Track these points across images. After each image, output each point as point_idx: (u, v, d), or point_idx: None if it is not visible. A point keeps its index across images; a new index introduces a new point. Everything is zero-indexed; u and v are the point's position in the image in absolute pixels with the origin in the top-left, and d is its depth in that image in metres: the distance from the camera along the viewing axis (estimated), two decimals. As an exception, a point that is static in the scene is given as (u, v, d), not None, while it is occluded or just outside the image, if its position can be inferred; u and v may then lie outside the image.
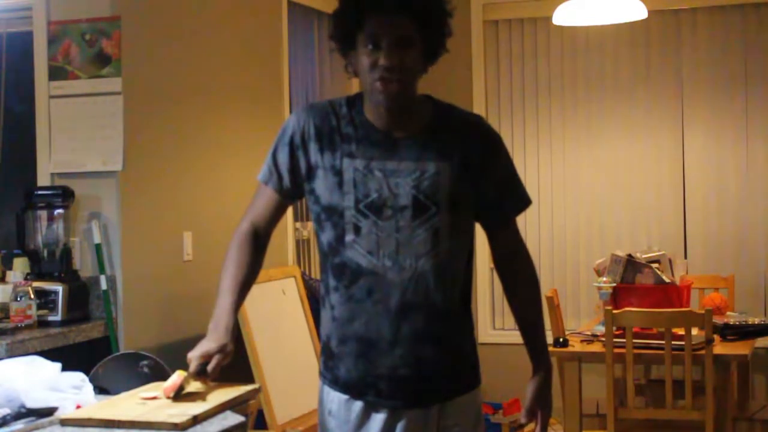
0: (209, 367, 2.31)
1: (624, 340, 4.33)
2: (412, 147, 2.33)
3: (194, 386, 2.38)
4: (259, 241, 2.47)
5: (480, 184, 2.38)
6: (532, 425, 2.51)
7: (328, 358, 2.42)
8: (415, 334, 2.32)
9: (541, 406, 2.48)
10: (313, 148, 2.36)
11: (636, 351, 4.34)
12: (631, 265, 4.88)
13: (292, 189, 2.42)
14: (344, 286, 2.35)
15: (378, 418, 2.36)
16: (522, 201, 2.48)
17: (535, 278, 2.52)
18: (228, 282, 2.42)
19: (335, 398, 2.40)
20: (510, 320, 2.53)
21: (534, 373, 2.49)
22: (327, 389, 2.43)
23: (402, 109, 2.33)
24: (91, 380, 2.48)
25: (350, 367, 2.37)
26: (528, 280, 2.51)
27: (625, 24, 5.51)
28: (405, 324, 2.31)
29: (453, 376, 2.40)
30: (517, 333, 2.54)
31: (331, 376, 2.41)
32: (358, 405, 2.38)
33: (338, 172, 2.33)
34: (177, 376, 2.34)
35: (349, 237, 2.32)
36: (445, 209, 2.32)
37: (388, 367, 2.33)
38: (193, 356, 2.32)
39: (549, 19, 5.45)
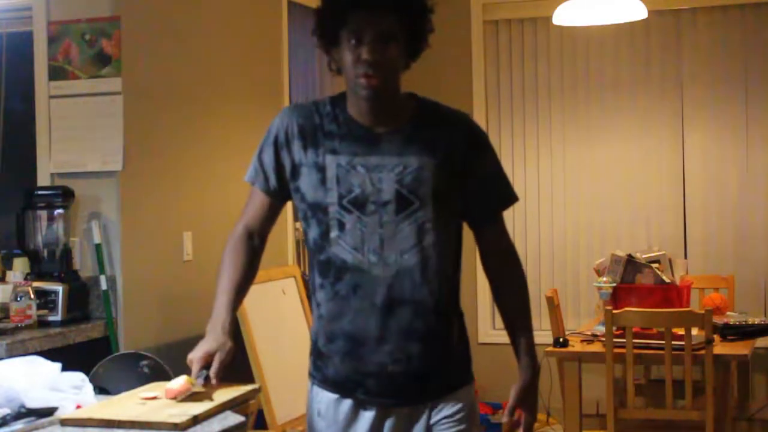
0: (213, 369, 2.30)
1: (624, 340, 4.32)
2: (395, 142, 2.33)
3: (196, 387, 2.38)
4: (253, 242, 2.47)
5: (464, 179, 2.38)
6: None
7: (316, 357, 2.42)
8: (402, 330, 2.31)
9: (524, 408, 2.44)
10: (296, 146, 2.37)
11: (636, 351, 4.34)
12: (631, 265, 4.88)
13: (280, 189, 2.42)
14: (330, 283, 2.35)
15: (366, 417, 2.36)
16: (507, 197, 2.46)
17: (523, 277, 2.49)
18: (224, 284, 2.43)
19: (324, 398, 2.40)
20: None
21: (520, 375, 2.45)
22: (316, 390, 2.43)
23: (385, 105, 2.34)
24: (91, 380, 2.48)
25: (338, 365, 2.36)
26: (515, 278, 2.47)
27: (625, 24, 5.52)
28: (392, 320, 2.31)
29: (442, 373, 2.38)
30: None
31: (320, 375, 2.41)
32: (346, 404, 2.38)
33: (321, 169, 2.34)
34: (185, 382, 2.33)
35: (334, 233, 2.33)
36: (428, 203, 2.31)
37: (376, 364, 2.33)
38: (195, 357, 2.32)
39: (549, 19, 5.45)
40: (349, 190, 2.31)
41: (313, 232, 2.37)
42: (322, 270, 2.36)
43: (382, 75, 2.27)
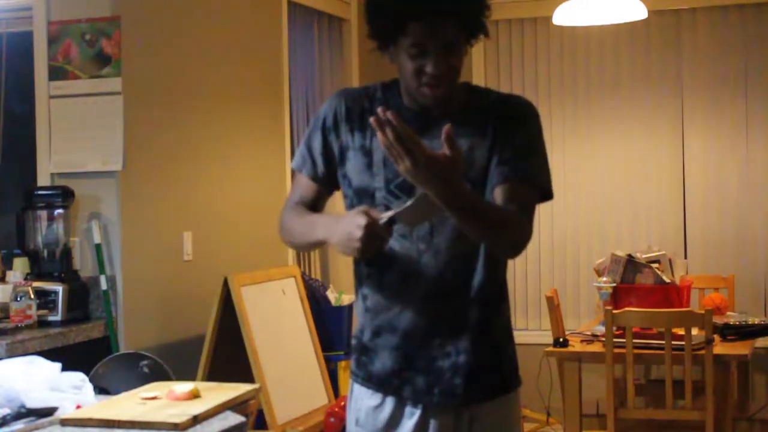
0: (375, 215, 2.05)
1: (624, 340, 4.32)
2: (445, 124, 2.05)
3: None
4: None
5: (499, 150, 2.20)
6: None
7: (360, 354, 2.29)
8: (452, 322, 2.20)
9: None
10: (344, 129, 2.27)
11: (636, 351, 4.34)
12: (631, 265, 4.88)
13: (328, 175, 2.30)
14: (377, 273, 2.24)
15: (408, 425, 2.25)
16: (528, 174, 2.24)
17: (510, 223, 2.16)
18: (307, 216, 2.27)
19: (363, 406, 2.29)
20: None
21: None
22: (357, 392, 2.31)
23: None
24: (91, 380, 2.48)
25: (385, 360, 2.24)
26: (505, 214, 2.16)
27: (625, 24, 5.52)
28: (441, 311, 2.20)
29: (492, 372, 2.26)
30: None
31: (363, 373, 2.29)
32: (387, 410, 2.26)
33: (368, 153, 2.23)
34: (191, 390, 2.34)
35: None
36: (479, 187, 2.18)
37: (425, 358, 2.21)
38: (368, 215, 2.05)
39: (549, 19, 5.45)
40: (396, 174, 2.11)
41: None
42: (369, 260, 2.23)
43: (447, 84, 2.16)
